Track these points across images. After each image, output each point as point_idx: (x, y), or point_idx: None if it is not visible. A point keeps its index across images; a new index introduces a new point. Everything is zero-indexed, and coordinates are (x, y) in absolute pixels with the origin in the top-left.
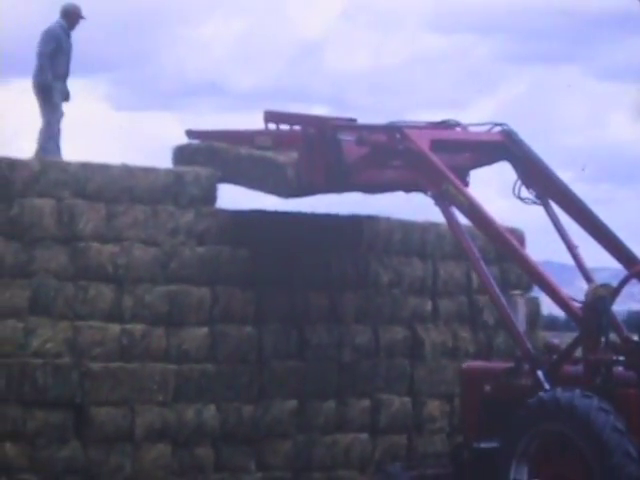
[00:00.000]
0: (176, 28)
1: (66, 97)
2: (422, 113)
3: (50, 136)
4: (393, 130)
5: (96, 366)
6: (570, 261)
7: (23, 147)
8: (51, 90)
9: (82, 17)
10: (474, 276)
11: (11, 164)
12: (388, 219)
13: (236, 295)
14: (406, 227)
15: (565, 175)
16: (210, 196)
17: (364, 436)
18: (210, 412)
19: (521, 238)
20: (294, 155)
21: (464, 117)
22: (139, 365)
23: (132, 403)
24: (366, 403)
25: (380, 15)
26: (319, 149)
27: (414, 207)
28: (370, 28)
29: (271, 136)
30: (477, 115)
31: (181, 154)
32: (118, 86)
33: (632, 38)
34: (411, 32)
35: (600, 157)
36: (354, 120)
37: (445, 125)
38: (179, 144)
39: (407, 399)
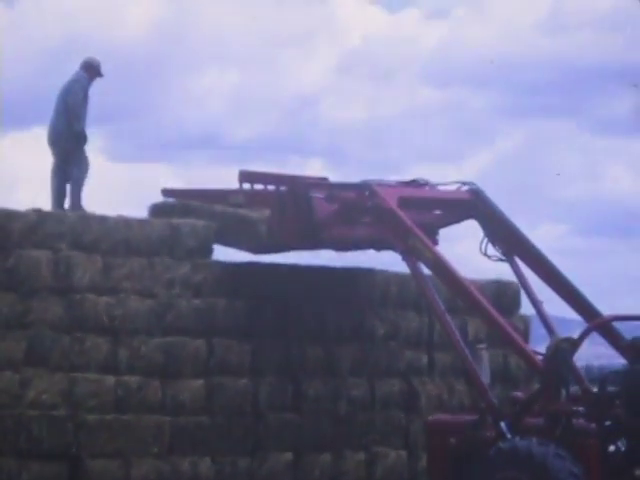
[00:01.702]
0: (172, 80)
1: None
2: (418, 166)
3: (81, 187)
4: (362, 187)
5: (92, 418)
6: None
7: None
8: (86, 139)
9: (101, 75)
10: (470, 329)
11: (8, 215)
12: (384, 272)
13: (232, 347)
14: (402, 280)
15: (561, 228)
16: (206, 248)
17: None
18: (205, 464)
19: (517, 292)
20: (266, 212)
21: (460, 170)
22: (134, 417)
23: (127, 455)
24: (362, 456)
25: (375, 68)
26: (291, 206)
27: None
28: (365, 81)
29: (244, 194)
30: (474, 168)
31: (157, 211)
32: (115, 138)
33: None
34: (406, 85)
35: (596, 210)
36: (325, 179)
37: (414, 184)
38: (155, 202)
39: (403, 452)
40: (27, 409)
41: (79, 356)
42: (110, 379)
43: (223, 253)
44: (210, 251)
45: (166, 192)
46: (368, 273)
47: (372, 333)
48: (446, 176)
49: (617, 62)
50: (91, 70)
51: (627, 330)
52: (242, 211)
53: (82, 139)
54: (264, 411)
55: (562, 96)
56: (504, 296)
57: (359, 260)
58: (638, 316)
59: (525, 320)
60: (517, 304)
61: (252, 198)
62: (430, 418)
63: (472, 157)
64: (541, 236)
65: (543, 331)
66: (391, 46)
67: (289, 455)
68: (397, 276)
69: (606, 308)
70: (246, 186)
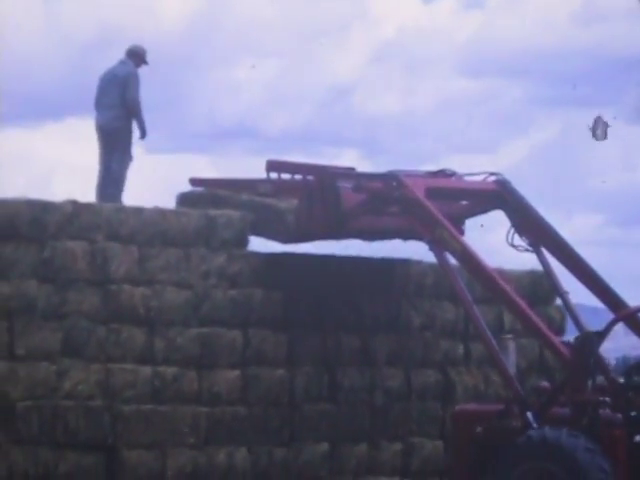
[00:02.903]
0: (208, 71)
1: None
2: (453, 157)
3: (123, 182)
4: (390, 178)
5: (128, 409)
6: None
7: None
8: (145, 135)
9: (146, 62)
10: (506, 319)
11: (44, 206)
12: (420, 262)
13: (268, 338)
14: (438, 271)
15: (598, 218)
16: (242, 239)
17: (396, 479)
18: (241, 455)
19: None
20: (294, 202)
21: (495, 160)
22: (171, 408)
23: (163, 446)
24: (398, 446)
25: (410, 59)
26: (318, 196)
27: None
28: (400, 72)
29: (272, 184)
30: (509, 159)
31: (185, 201)
32: (150, 129)
33: None
34: (441, 76)
35: (631, 201)
36: (353, 169)
37: (441, 174)
38: (183, 191)
39: (439, 442)
40: (63, 400)
41: (115, 347)
42: (146, 370)
43: (259, 244)
44: (246, 242)
45: (194, 181)
46: (404, 264)
47: (408, 324)
48: (481, 167)
49: None
50: (137, 58)
51: None
52: (270, 201)
53: (144, 135)
54: (300, 402)
55: (597, 86)
56: (540, 286)
57: (394, 251)
58: None
59: (561, 310)
60: (553, 294)
61: (280, 188)
62: (456, 407)
63: (507, 147)
64: (577, 227)
65: (584, 318)
66: (426, 36)
67: (325, 446)
68: (433, 267)
69: None
70: (273, 176)
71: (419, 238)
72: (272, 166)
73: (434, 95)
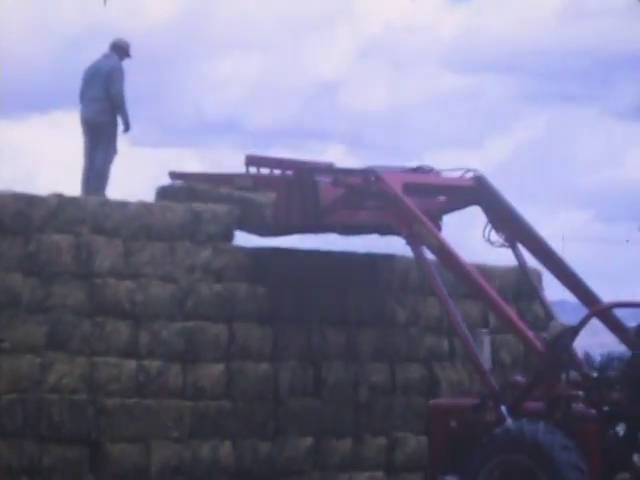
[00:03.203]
0: (194, 65)
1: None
2: (439, 152)
3: (107, 175)
4: (368, 173)
5: (112, 402)
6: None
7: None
8: (129, 128)
9: (129, 56)
10: (491, 315)
11: (29, 200)
12: (405, 257)
13: (253, 332)
14: None
15: (584, 215)
16: (227, 233)
17: (380, 474)
18: (226, 449)
19: (539, 277)
20: (272, 196)
21: (481, 157)
22: (155, 402)
23: (148, 440)
24: (382, 441)
25: (396, 55)
26: (296, 190)
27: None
28: (386, 67)
29: (251, 178)
30: (495, 155)
31: (164, 194)
32: (136, 122)
33: None
34: (427, 72)
35: (617, 196)
36: (331, 164)
37: (419, 170)
38: (162, 185)
39: (423, 438)
40: (48, 393)
41: (100, 341)
42: (131, 364)
43: (244, 239)
44: (231, 236)
45: (173, 175)
46: (389, 259)
47: (393, 319)
48: (467, 162)
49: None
50: (120, 51)
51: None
52: (248, 194)
53: (128, 128)
54: (284, 396)
55: (583, 83)
56: (525, 282)
57: (377, 246)
58: (637, 303)
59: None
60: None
61: (258, 182)
62: (431, 401)
63: (493, 144)
64: (563, 223)
65: (567, 316)
66: (412, 32)
67: (309, 440)
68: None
69: (629, 296)
70: (252, 170)
71: (397, 233)
72: (251, 161)
73: (420, 91)
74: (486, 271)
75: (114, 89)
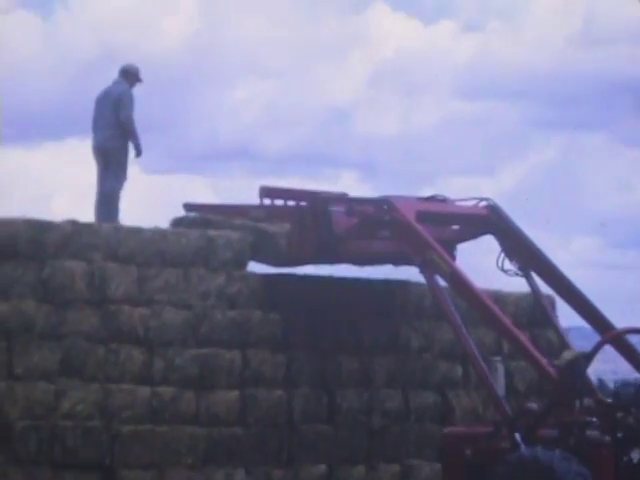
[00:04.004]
0: (206, 92)
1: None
2: (452, 179)
3: (118, 200)
4: (381, 202)
5: (126, 429)
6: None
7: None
8: (141, 154)
9: (140, 80)
10: (505, 342)
11: (43, 226)
12: (419, 284)
13: (266, 358)
14: None
15: (594, 240)
16: (241, 259)
17: None
18: (239, 476)
19: (552, 303)
20: (286, 226)
21: (494, 183)
22: (169, 428)
23: (161, 466)
24: (396, 468)
25: (408, 81)
26: (310, 220)
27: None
28: (398, 94)
29: (265, 209)
30: (507, 181)
31: (178, 225)
32: (149, 149)
33: None
34: (439, 98)
35: (628, 223)
36: (345, 194)
37: (433, 199)
38: (176, 216)
39: (437, 465)
40: (62, 420)
41: (114, 367)
42: (145, 390)
43: (258, 265)
44: (245, 263)
45: (188, 206)
46: (403, 285)
47: (407, 345)
48: (479, 189)
49: None
50: (130, 77)
51: None
52: (262, 225)
53: (139, 153)
54: (298, 423)
55: (595, 109)
56: (538, 309)
57: (390, 273)
58: None
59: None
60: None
61: (273, 213)
62: (446, 430)
63: (506, 170)
64: (576, 249)
65: (581, 342)
66: (424, 58)
67: (323, 467)
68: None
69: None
70: (266, 201)
71: (410, 263)
72: (265, 192)
73: (432, 117)
74: (500, 298)
75: (123, 114)
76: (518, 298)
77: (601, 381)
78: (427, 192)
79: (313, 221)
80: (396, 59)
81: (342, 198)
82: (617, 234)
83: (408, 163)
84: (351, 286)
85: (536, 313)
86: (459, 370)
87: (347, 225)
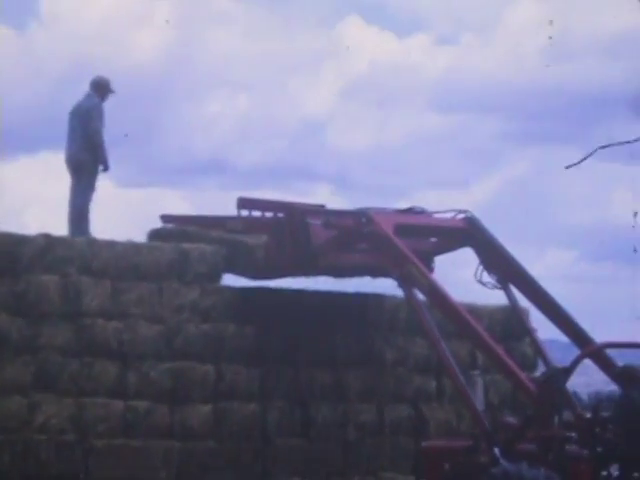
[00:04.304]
0: (179, 105)
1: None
2: (425, 191)
3: (87, 213)
4: (359, 214)
5: (100, 443)
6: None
7: (28, 222)
8: (109, 169)
9: (112, 91)
10: (479, 355)
11: (17, 240)
12: (393, 297)
13: (241, 372)
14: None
15: (570, 254)
16: (215, 273)
17: None
18: None
19: (526, 316)
20: (264, 238)
21: (467, 196)
22: (143, 442)
23: None
24: None
25: (381, 94)
26: (288, 232)
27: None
28: (372, 107)
29: (242, 221)
30: (481, 194)
31: (155, 237)
32: (122, 163)
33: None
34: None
35: (602, 236)
36: (323, 206)
37: (411, 212)
38: (153, 228)
39: (411, 478)
40: (35, 433)
41: (88, 381)
42: (119, 404)
43: (232, 278)
44: (219, 276)
45: (165, 218)
46: (377, 299)
47: (381, 359)
48: (453, 202)
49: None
50: (102, 89)
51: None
52: (239, 237)
53: (106, 168)
54: (272, 436)
55: (566, 123)
56: (515, 322)
57: (365, 286)
58: (631, 343)
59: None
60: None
61: (249, 224)
62: (424, 443)
63: (479, 183)
64: (550, 262)
65: (559, 354)
66: (398, 71)
67: None
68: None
69: (615, 335)
70: (244, 213)
71: (388, 275)
72: (243, 203)
73: (406, 130)
74: (474, 310)
75: (91, 127)
76: (492, 311)
77: (575, 394)
78: (402, 205)
79: (291, 233)
80: (370, 72)
81: (320, 210)
82: (590, 247)
83: (382, 176)
84: (325, 300)
85: (511, 325)
86: (433, 383)
87: (325, 237)
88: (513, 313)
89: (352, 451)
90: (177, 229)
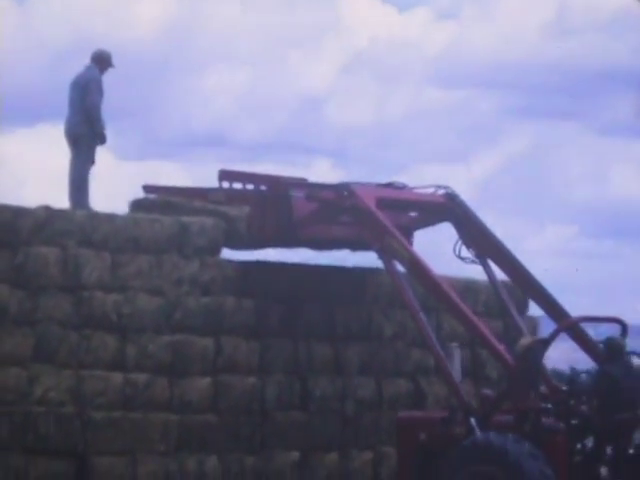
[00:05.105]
0: (180, 79)
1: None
2: (425, 166)
3: (87, 185)
4: (341, 188)
5: (99, 415)
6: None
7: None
8: (105, 141)
9: (112, 65)
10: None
11: (17, 212)
12: None
13: (240, 346)
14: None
15: (570, 229)
16: (215, 246)
17: None
18: (212, 462)
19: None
20: (246, 209)
21: (468, 171)
22: (142, 415)
23: (134, 452)
24: (369, 455)
25: (382, 69)
26: (270, 205)
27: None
28: (372, 81)
29: (224, 192)
30: (481, 169)
31: (137, 207)
32: (122, 135)
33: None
34: (413, 86)
35: (603, 212)
36: (304, 180)
37: (392, 186)
38: (136, 198)
39: None
40: (34, 406)
41: (87, 353)
42: (118, 377)
43: (232, 252)
44: (219, 250)
45: (147, 188)
46: (376, 273)
47: (380, 333)
48: (454, 177)
49: (622, 65)
50: (102, 62)
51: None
52: (222, 208)
53: (103, 141)
54: (271, 410)
55: (567, 98)
56: (511, 297)
57: (361, 261)
58: (606, 317)
59: (533, 321)
60: (525, 305)
61: (232, 196)
62: (400, 414)
63: (480, 158)
64: (550, 238)
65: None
66: (399, 46)
67: (296, 454)
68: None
69: (614, 310)
70: (225, 185)
71: (369, 248)
72: (224, 175)
73: (406, 105)
74: (472, 286)
75: (88, 100)
76: (490, 286)
77: (555, 370)
78: (401, 180)
79: (273, 205)
80: (369, 47)
81: (302, 183)
82: (591, 223)
83: (381, 150)
84: (324, 274)
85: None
86: (431, 358)
87: (307, 210)
88: (492, 288)
89: (350, 425)
90: (160, 199)
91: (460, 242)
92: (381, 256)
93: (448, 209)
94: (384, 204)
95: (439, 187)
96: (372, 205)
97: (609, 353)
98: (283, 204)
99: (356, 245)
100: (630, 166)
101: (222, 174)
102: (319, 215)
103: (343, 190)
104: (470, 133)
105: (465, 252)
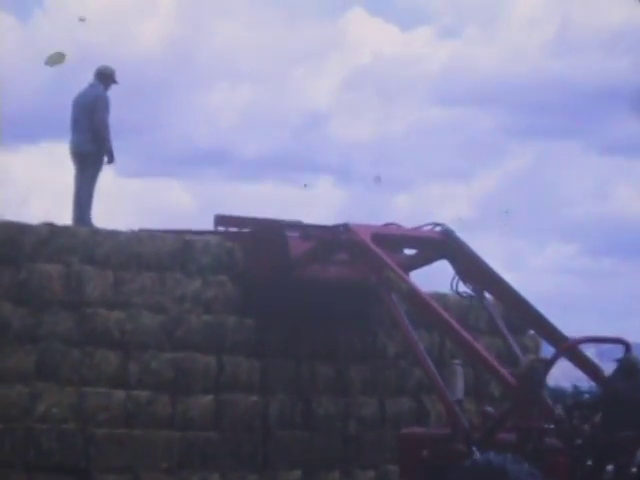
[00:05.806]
0: (183, 96)
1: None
2: (428, 184)
3: (90, 203)
4: (337, 226)
5: (101, 432)
6: None
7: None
8: (114, 160)
9: (116, 82)
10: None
11: (20, 228)
12: None
13: (242, 363)
14: None
15: (570, 247)
16: (218, 265)
17: None
18: None
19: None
20: (244, 243)
21: (469, 189)
22: (144, 432)
23: (136, 470)
24: (371, 474)
25: (384, 86)
26: (265, 245)
27: (420, 278)
28: (375, 99)
29: (220, 234)
30: (483, 187)
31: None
32: (124, 153)
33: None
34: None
35: (603, 230)
36: (300, 222)
37: (387, 227)
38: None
39: None
40: (37, 422)
41: (89, 370)
42: (120, 393)
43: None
44: (222, 268)
45: (219, 219)
46: (379, 292)
47: (383, 352)
48: (455, 194)
49: (624, 83)
50: (106, 79)
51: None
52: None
53: (111, 159)
54: (273, 428)
55: (569, 117)
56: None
57: None
58: (610, 338)
59: (535, 340)
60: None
61: (228, 238)
62: (403, 430)
63: (481, 176)
64: (551, 256)
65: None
66: (401, 64)
67: (298, 473)
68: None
69: (615, 329)
70: (221, 229)
71: (364, 285)
72: (220, 220)
73: (408, 122)
74: (474, 304)
75: (98, 118)
76: (492, 305)
77: (558, 388)
78: (403, 198)
79: (268, 246)
80: (372, 64)
81: (297, 224)
82: (592, 241)
83: (384, 168)
84: (327, 292)
85: (511, 320)
86: None
87: (302, 250)
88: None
89: (353, 444)
90: None
91: (457, 278)
92: (379, 289)
93: (444, 245)
94: (380, 241)
95: (435, 224)
96: (368, 239)
97: (625, 371)
98: (278, 244)
99: (353, 285)
100: (632, 184)
101: (218, 219)
102: (315, 253)
103: (339, 227)
104: (472, 151)
105: (462, 287)
